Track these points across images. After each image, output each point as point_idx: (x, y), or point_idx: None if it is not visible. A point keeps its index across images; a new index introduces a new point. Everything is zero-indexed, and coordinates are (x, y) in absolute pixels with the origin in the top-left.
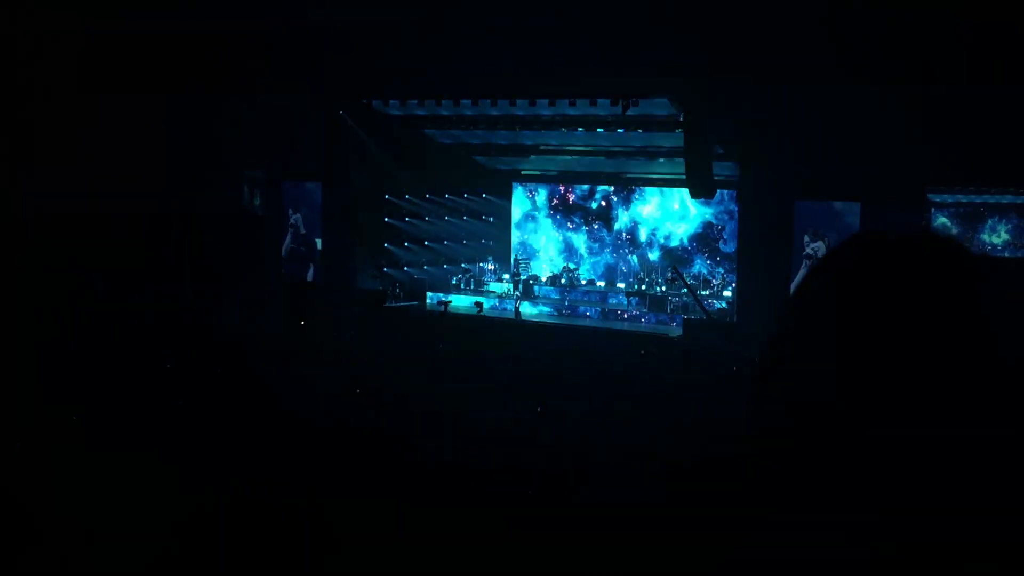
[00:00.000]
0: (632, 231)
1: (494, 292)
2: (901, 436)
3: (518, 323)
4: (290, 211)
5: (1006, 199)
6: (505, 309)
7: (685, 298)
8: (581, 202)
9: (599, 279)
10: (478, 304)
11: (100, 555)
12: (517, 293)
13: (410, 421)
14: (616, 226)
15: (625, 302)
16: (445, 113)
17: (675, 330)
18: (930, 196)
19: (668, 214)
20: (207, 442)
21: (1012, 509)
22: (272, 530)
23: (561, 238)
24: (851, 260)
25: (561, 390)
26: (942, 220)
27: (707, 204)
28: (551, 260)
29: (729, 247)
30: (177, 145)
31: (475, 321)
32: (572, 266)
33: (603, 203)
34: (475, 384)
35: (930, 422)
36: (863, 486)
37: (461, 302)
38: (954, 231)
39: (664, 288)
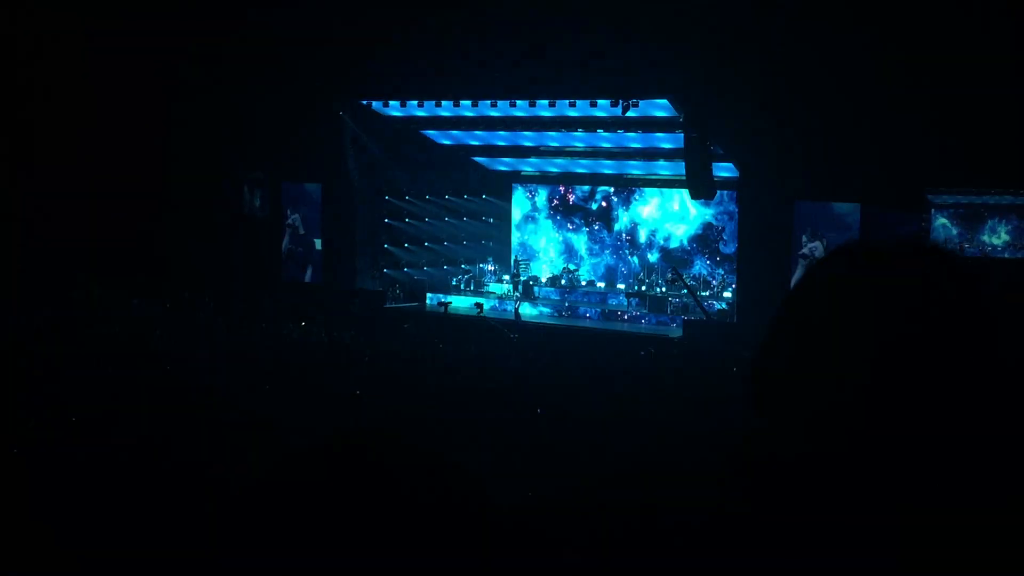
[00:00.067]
0: (632, 232)
1: (494, 293)
2: (901, 437)
3: (518, 324)
4: (288, 211)
5: (1006, 200)
6: (505, 310)
7: (685, 299)
8: (581, 203)
9: (599, 280)
10: (478, 305)
11: (100, 555)
12: (517, 294)
13: (410, 422)
14: (616, 227)
15: (625, 303)
16: (445, 114)
17: (675, 331)
18: (930, 197)
19: (668, 215)
20: (207, 442)
21: (1013, 509)
22: (272, 530)
23: (561, 239)
24: (843, 268)
25: (561, 391)
26: (942, 221)
27: (707, 205)
28: (551, 261)
29: (729, 248)
30: (177, 145)
31: (475, 321)
32: (572, 267)
33: (603, 204)
34: (475, 384)
35: (930, 422)
36: (863, 487)
37: (461, 303)
38: (954, 232)
39: (664, 289)
